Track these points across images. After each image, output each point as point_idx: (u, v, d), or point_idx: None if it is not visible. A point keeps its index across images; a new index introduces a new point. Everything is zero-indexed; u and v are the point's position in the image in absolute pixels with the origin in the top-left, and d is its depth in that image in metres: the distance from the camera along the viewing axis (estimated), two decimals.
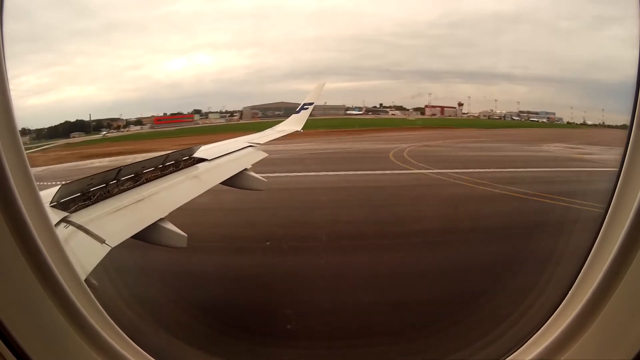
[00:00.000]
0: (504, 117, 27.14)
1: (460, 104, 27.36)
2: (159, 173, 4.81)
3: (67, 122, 22.78)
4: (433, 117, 27.43)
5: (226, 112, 27.92)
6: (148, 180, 4.53)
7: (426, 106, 27.92)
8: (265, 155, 7.16)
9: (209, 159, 5.79)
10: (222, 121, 27.44)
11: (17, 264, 1.36)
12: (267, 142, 7.77)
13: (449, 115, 27.56)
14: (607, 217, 1.64)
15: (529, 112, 26.06)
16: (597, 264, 1.62)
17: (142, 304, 4.98)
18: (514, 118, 26.67)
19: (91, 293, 1.69)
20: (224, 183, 5.58)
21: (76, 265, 1.74)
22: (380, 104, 29.02)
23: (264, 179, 6.40)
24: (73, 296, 1.50)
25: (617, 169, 1.63)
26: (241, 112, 28.10)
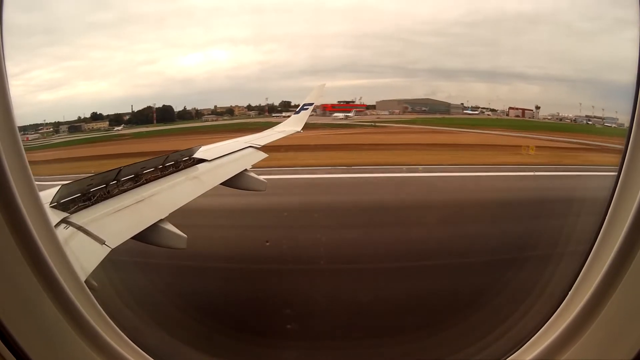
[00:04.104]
0: (574, 120, 26.20)
1: (538, 107, 26.70)
2: (159, 174, 4.80)
3: (149, 107, 23.12)
4: (517, 118, 27.09)
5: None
6: (148, 181, 4.53)
7: (510, 108, 27.55)
8: (265, 155, 7.16)
9: (208, 159, 5.79)
10: (386, 112, 27.10)
11: (17, 265, 1.35)
12: (267, 143, 7.76)
13: (529, 118, 27.14)
14: (607, 217, 1.64)
15: (595, 117, 25.04)
16: (597, 264, 1.62)
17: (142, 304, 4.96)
18: (589, 122, 25.59)
19: (91, 294, 1.68)
20: (224, 184, 5.58)
21: (76, 266, 1.74)
22: (461, 103, 28.78)
23: (264, 180, 6.40)
24: (73, 297, 1.50)
25: (617, 170, 1.63)
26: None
